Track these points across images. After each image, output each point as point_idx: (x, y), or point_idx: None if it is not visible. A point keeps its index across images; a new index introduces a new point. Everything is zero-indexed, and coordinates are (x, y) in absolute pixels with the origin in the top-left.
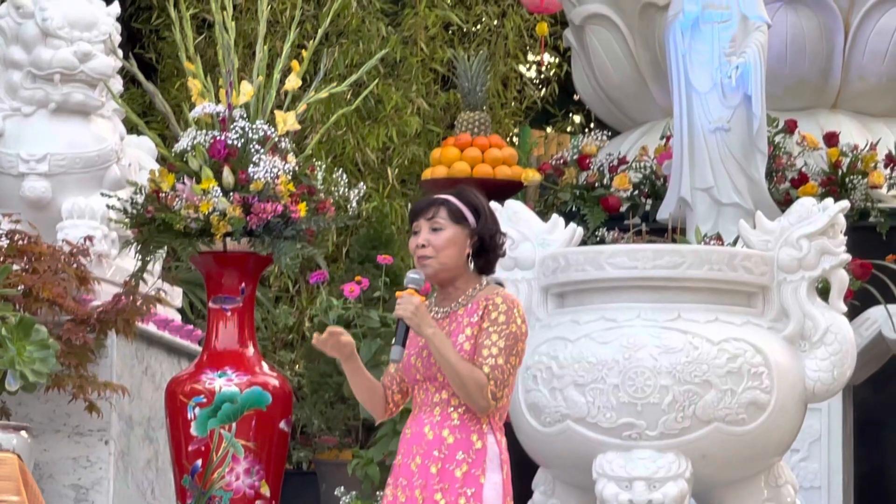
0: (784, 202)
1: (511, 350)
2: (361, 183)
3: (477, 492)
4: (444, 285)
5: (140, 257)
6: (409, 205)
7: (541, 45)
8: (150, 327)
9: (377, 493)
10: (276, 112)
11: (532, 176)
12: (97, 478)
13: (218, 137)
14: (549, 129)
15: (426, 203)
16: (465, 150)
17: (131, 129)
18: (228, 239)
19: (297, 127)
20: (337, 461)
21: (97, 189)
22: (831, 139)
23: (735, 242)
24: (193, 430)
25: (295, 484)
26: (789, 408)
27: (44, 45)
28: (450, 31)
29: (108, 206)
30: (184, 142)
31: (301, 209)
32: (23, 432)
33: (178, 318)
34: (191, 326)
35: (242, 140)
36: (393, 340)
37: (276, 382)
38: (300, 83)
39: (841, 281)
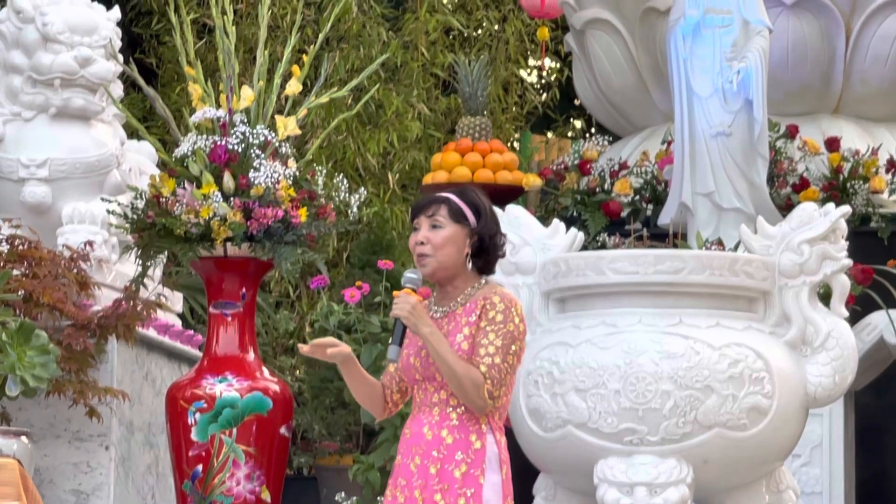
0: (785, 207)
1: (508, 349)
2: (362, 188)
3: (476, 492)
4: (442, 284)
5: (140, 262)
6: (410, 210)
7: (542, 49)
8: (151, 332)
9: (378, 498)
10: (276, 117)
11: (533, 181)
12: (98, 483)
13: (218, 142)
14: (550, 134)
15: (427, 201)
16: (466, 155)
17: (132, 133)
18: (229, 244)
19: (298, 132)
20: (338, 466)
21: (97, 194)
22: (833, 144)
23: (736, 247)
24: (194, 436)
25: (295, 489)
26: (791, 413)
27: (44, 50)
28: (451, 36)
29: (108, 212)
30: (184, 147)
31: (302, 214)
32: (23, 437)
33: (178, 323)
34: (191, 332)
35: (243, 145)
36: (390, 340)
37: (276, 388)
38: (301, 88)
39: (842, 286)
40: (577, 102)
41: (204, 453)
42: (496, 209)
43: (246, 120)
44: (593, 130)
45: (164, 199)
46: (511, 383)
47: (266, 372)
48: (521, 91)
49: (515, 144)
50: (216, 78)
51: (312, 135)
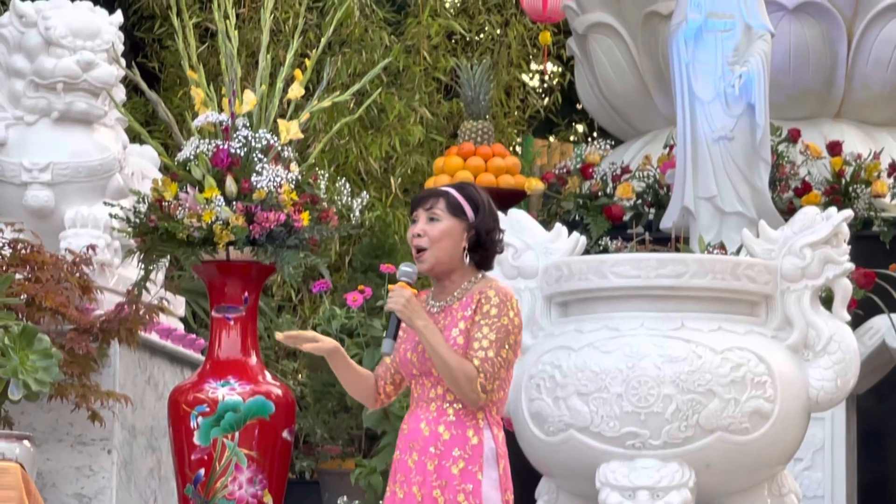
0: (787, 211)
1: (503, 343)
2: (364, 192)
3: (475, 488)
4: (440, 279)
5: (143, 266)
6: (410, 203)
7: (544, 54)
8: (153, 336)
9: (379, 502)
10: (279, 121)
11: (535, 185)
12: (100, 487)
13: (221, 146)
14: (552, 139)
15: (426, 194)
16: (469, 160)
17: (134, 138)
18: (231, 248)
19: (300, 136)
20: (340, 470)
21: (100, 198)
22: (835, 148)
23: (738, 251)
24: (196, 440)
25: (298, 493)
26: (793, 417)
27: (47, 54)
28: (453, 40)
29: (110, 216)
30: (187, 151)
31: (304, 218)
32: (25, 441)
33: (180, 327)
34: (193, 335)
35: (245, 149)
36: (385, 334)
37: (279, 391)
38: (303, 92)
39: (844, 290)
40: (579, 106)
41: (206, 457)
42: (498, 211)
43: (248, 124)
44: (595, 134)
45: (166, 203)
46: (507, 378)
47: (268, 376)
48: (524, 95)
49: (518, 148)
50: (219, 82)
51: (315, 139)
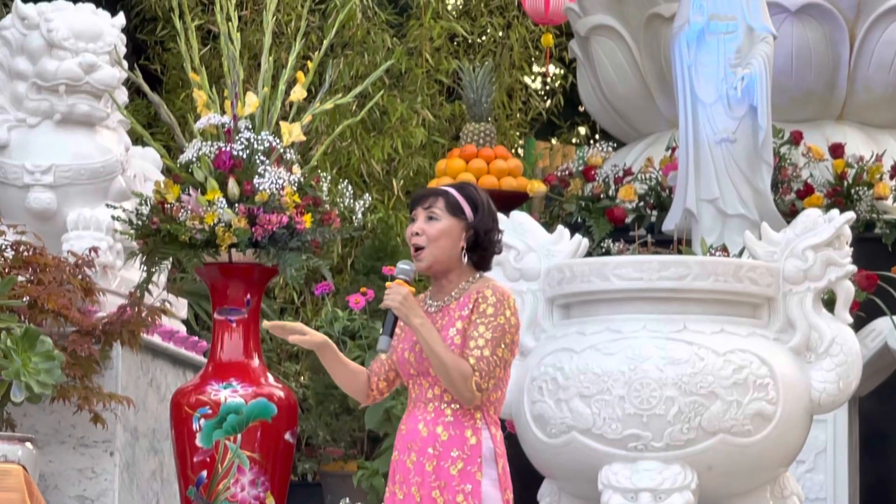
0: (790, 213)
1: (498, 342)
2: (367, 194)
3: (475, 489)
4: (437, 278)
5: (145, 268)
6: (409, 202)
7: (546, 56)
8: (156, 339)
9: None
10: (281, 123)
11: (537, 187)
12: (102, 489)
13: (223, 148)
14: (554, 141)
15: (426, 193)
16: (471, 162)
17: (136, 140)
18: (234, 250)
19: (303, 138)
20: (342, 472)
21: (102, 200)
22: (837, 150)
23: (741, 254)
24: (199, 442)
25: (300, 495)
26: (795, 419)
27: (49, 57)
28: (455, 43)
29: (113, 218)
30: (189, 153)
31: (306, 220)
32: (28, 444)
33: (183, 329)
34: (196, 338)
35: (248, 151)
36: (381, 331)
37: (281, 394)
38: (305, 94)
39: (847, 292)
40: (581, 109)
41: (208, 459)
42: (499, 217)
43: (251, 126)
44: (597, 137)
45: (168, 206)
46: (504, 378)
47: (271, 378)
48: (526, 97)
49: (520, 151)
50: (221, 84)
51: (317, 141)
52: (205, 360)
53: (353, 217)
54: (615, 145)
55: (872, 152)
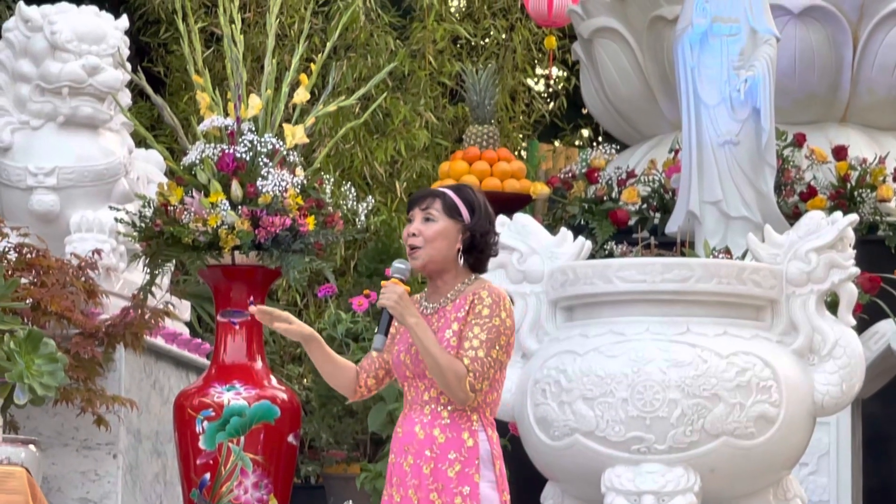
0: (793, 216)
1: (493, 343)
2: (370, 196)
3: (472, 491)
4: (433, 278)
5: (148, 271)
6: (407, 203)
7: (549, 58)
8: (159, 341)
9: None
10: (284, 125)
11: (540, 189)
12: (105, 492)
13: (226, 151)
14: (557, 143)
15: (423, 194)
16: (474, 164)
17: (140, 142)
18: (237, 252)
19: (306, 140)
20: (345, 475)
21: (105, 202)
22: (840, 153)
23: (744, 256)
24: (202, 444)
25: (303, 498)
26: (798, 421)
27: (52, 59)
28: (458, 45)
29: (116, 220)
30: (192, 155)
31: (309, 223)
32: (31, 446)
33: (186, 331)
34: (199, 340)
35: (251, 153)
36: (376, 330)
37: (284, 396)
38: (308, 97)
39: (850, 294)
40: (584, 111)
41: (212, 461)
42: (503, 219)
43: (254, 128)
44: (601, 139)
45: (171, 208)
46: (500, 379)
47: (274, 380)
48: (529, 100)
49: (523, 153)
50: (224, 86)
51: (320, 143)
52: (208, 363)
53: (357, 219)
54: (618, 147)
55: (876, 154)
